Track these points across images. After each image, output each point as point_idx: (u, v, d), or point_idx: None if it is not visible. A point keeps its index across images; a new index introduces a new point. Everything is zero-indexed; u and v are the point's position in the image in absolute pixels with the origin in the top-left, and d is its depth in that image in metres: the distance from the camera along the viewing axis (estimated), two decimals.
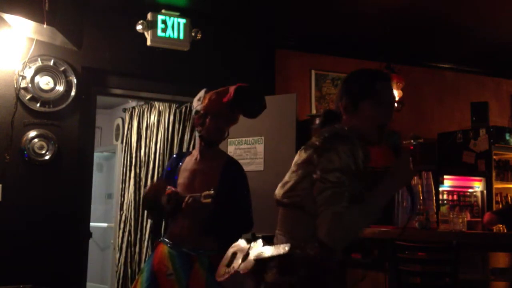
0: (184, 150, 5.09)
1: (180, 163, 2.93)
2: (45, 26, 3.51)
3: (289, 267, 1.83)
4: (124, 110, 6.34)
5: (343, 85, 1.99)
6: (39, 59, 4.11)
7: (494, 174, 5.59)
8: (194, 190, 2.76)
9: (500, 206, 5.76)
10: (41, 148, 4.08)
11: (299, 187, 1.91)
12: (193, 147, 5.04)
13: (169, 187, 2.78)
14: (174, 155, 3.15)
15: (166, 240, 2.83)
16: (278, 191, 2.05)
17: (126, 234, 5.60)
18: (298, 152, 1.96)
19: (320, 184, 1.77)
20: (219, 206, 2.69)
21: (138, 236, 5.43)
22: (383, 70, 5.55)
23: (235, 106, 2.81)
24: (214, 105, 2.86)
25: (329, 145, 1.81)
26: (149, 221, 5.26)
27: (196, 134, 3.00)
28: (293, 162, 1.99)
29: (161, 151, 5.38)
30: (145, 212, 5.25)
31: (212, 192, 2.63)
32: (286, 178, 2.02)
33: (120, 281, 5.59)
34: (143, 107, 5.81)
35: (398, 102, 5.51)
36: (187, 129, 5.21)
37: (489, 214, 4.35)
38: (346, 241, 1.75)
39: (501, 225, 4.40)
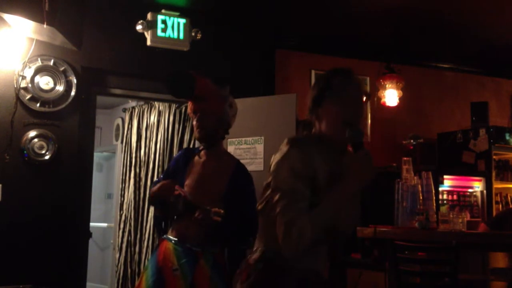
0: None
1: (189, 162, 2.92)
2: (45, 26, 3.51)
3: (248, 271, 1.89)
4: (124, 110, 6.34)
5: (310, 91, 1.98)
6: (39, 59, 4.11)
7: (494, 174, 5.60)
8: (203, 194, 2.77)
9: (500, 206, 5.76)
10: (41, 148, 4.08)
11: (263, 195, 1.93)
12: (193, 147, 5.04)
13: (177, 187, 2.77)
14: (182, 151, 3.10)
15: (170, 237, 2.84)
16: None
17: (126, 234, 5.61)
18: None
19: (274, 193, 1.77)
20: (225, 214, 2.71)
21: (138, 236, 5.43)
22: (382, 70, 5.57)
23: (171, 94, 2.92)
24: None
25: (282, 154, 1.80)
26: (150, 219, 5.26)
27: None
28: None
29: (161, 151, 5.38)
30: (149, 209, 5.25)
31: (222, 211, 2.66)
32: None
33: (120, 281, 5.59)
34: (143, 107, 5.81)
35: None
36: (187, 129, 5.21)
37: (483, 226, 4.35)
38: (300, 249, 1.71)
39: None
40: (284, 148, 1.82)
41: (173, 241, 2.80)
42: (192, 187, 2.83)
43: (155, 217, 3.31)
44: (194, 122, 2.88)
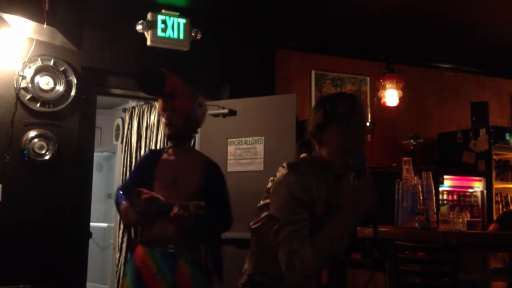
0: None
1: (156, 163, 2.90)
2: (45, 26, 3.51)
3: None
4: (124, 110, 6.34)
5: (310, 114, 1.95)
6: (39, 59, 4.11)
7: (494, 174, 5.60)
8: (177, 193, 2.76)
9: (500, 206, 5.76)
10: (41, 148, 4.08)
11: (259, 215, 1.94)
12: (193, 147, 5.05)
13: (145, 191, 2.75)
14: (147, 153, 3.11)
15: (145, 241, 2.82)
16: None
17: (126, 234, 5.60)
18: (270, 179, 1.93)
19: (275, 219, 1.76)
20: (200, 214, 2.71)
21: (138, 236, 5.43)
22: (382, 70, 5.57)
23: (142, 90, 2.97)
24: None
25: (281, 179, 1.79)
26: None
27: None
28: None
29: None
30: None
31: (203, 203, 2.64)
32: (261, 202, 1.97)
33: (120, 281, 5.58)
34: (143, 107, 5.81)
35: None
36: None
37: (494, 225, 4.36)
38: (303, 278, 1.70)
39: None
40: (283, 172, 1.81)
41: (148, 245, 2.77)
42: (164, 186, 2.81)
43: (125, 225, 3.26)
44: (163, 119, 2.89)
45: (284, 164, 1.84)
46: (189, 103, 2.90)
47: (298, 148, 1.97)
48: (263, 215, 1.90)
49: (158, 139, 5.48)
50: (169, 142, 3.00)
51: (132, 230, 3.10)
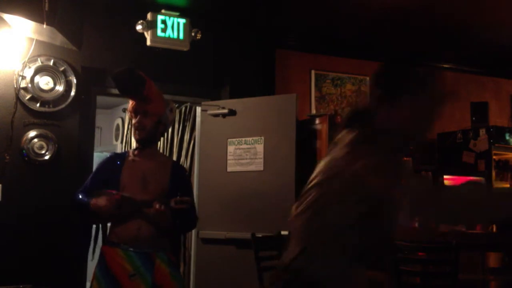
0: (184, 150, 5.09)
1: (122, 165, 2.89)
2: (45, 26, 3.50)
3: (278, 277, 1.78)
4: (124, 110, 6.33)
5: (377, 75, 1.65)
6: (39, 59, 4.11)
7: (494, 174, 5.60)
8: (146, 194, 2.77)
9: None
10: (41, 148, 4.08)
11: (307, 196, 1.76)
12: (193, 147, 5.04)
13: (115, 192, 2.74)
14: (111, 155, 3.07)
15: (115, 242, 2.79)
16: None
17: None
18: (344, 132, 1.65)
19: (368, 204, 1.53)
20: (178, 212, 2.74)
21: None
22: None
23: (120, 92, 2.90)
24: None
25: (367, 155, 1.53)
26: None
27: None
28: (339, 141, 1.66)
29: (160, 151, 5.38)
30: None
31: (187, 198, 2.66)
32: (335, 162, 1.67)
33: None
34: None
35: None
36: (187, 129, 5.21)
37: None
38: None
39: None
40: (361, 149, 1.55)
41: (121, 247, 2.75)
42: (132, 188, 2.80)
43: (85, 224, 3.20)
44: (134, 122, 2.88)
45: (356, 133, 1.59)
46: (161, 107, 2.91)
47: (349, 121, 1.66)
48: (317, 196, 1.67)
49: None
50: (135, 145, 2.99)
51: (97, 231, 3.06)
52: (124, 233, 2.78)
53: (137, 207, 2.70)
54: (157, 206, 2.65)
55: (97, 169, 3.04)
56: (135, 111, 2.88)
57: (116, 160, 2.94)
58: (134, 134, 2.90)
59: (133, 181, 2.82)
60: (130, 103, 2.93)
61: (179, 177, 2.90)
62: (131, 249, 2.73)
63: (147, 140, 2.88)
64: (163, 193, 2.80)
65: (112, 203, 2.71)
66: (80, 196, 2.87)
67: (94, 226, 3.05)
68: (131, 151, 2.97)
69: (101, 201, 2.75)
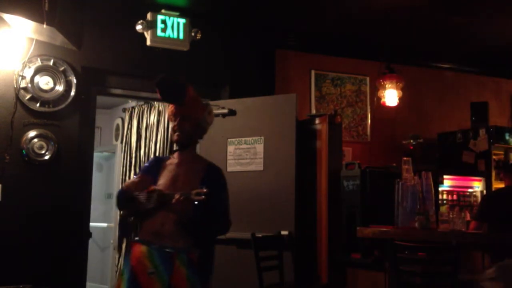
0: None
1: (161, 166, 2.95)
2: (44, 26, 3.50)
3: None
4: (124, 110, 6.34)
5: None
6: (38, 59, 4.11)
7: (493, 174, 5.60)
8: (176, 191, 2.79)
9: None
10: (41, 148, 4.08)
11: None
12: (163, 156, 5.04)
13: (151, 184, 2.79)
14: (153, 159, 3.17)
15: (142, 239, 2.82)
16: None
17: (135, 228, 5.60)
18: None
19: None
20: (199, 207, 2.72)
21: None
22: (382, 70, 5.57)
23: (162, 99, 2.95)
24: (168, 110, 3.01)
25: None
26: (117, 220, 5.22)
27: None
28: None
29: (160, 151, 5.38)
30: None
31: (204, 190, 2.67)
32: None
33: (117, 279, 5.58)
34: (143, 107, 5.81)
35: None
36: None
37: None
38: None
39: None
40: None
41: (145, 244, 2.78)
42: (166, 185, 2.85)
43: (122, 218, 3.27)
44: (173, 125, 2.93)
45: None
46: (200, 111, 2.96)
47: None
48: None
49: (157, 139, 5.48)
50: (174, 147, 3.04)
51: (127, 228, 3.10)
52: (148, 228, 2.82)
53: (165, 199, 2.73)
54: (177, 196, 2.68)
55: (141, 171, 3.13)
56: (174, 115, 2.93)
57: (157, 163, 3.01)
58: (173, 136, 2.96)
59: (166, 180, 2.88)
60: (170, 107, 2.99)
61: (212, 181, 2.90)
62: (154, 246, 2.75)
63: (185, 143, 2.94)
64: None
65: (132, 183, 2.81)
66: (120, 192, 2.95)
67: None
68: (172, 155, 3.03)
69: (128, 181, 2.89)
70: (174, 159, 2.98)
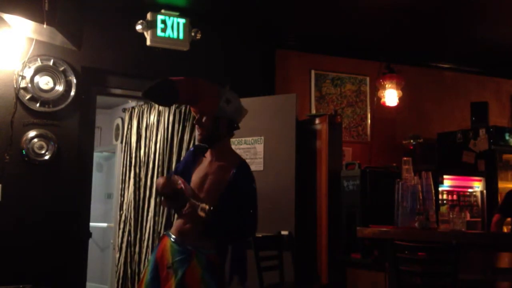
0: (184, 150, 5.09)
1: (198, 159, 2.93)
2: (45, 26, 3.50)
3: None
4: (124, 110, 6.33)
5: None
6: (38, 59, 4.11)
7: (498, 174, 5.60)
8: (203, 192, 2.79)
9: None
10: (41, 148, 4.08)
11: None
12: (193, 147, 5.03)
13: (182, 181, 2.78)
14: (192, 148, 3.09)
15: (170, 233, 2.85)
16: None
17: (126, 234, 5.60)
18: None
19: None
20: (222, 213, 2.71)
21: (138, 236, 5.42)
22: (382, 70, 5.57)
23: (150, 100, 2.90)
24: None
25: None
26: (150, 219, 5.25)
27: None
28: None
29: (160, 151, 5.37)
30: (149, 209, 5.25)
31: (207, 208, 2.65)
32: None
33: (120, 281, 5.58)
34: (143, 107, 5.80)
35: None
36: (186, 129, 5.20)
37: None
38: None
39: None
40: None
41: (172, 238, 2.81)
42: (196, 183, 2.85)
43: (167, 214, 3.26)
44: (195, 123, 2.89)
45: None
46: (213, 103, 2.84)
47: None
48: None
49: (158, 139, 5.47)
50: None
51: (168, 219, 3.13)
52: (176, 224, 2.84)
53: (182, 203, 2.73)
54: (186, 208, 2.69)
55: (180, 161, 3.12)
56: (195, 114, 2.89)
57: (194, 154, 2.97)
58: (198, 136, 2.92)
59: (197, 178, 2.86)
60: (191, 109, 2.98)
61: (238, 182, 2.85)
62: (177, 242, 2.76)
63: (209, 139, 2.86)
64: (218, 196, 2.79)
65: (166, 184, 2.77)
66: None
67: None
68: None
69: (160, 179, 2.83)
70: (208, 155, 2.90)
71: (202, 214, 2.66)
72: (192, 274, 2.71)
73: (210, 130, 2.83)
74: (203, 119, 2.83)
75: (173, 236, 2.81)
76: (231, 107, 2.89)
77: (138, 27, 4.34)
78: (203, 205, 2.68)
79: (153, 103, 2.97)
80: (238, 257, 2.89)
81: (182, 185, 2.77)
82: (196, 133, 2.92)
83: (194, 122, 2.88)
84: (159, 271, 2.74)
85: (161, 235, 3.03)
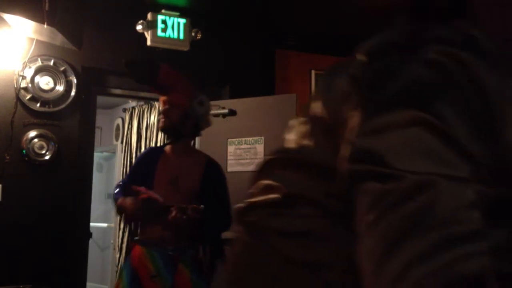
0: None
1: (157, 160, 2.86)
2: (45, 26, 3.51)
3: None
4: (124, 110, 6.34)
5: None
6: (39, 59, 4.11)
7: None
8: (176, 192, 2.74)
9: None
10: (41, 148, 4.08)
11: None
12: (158, 146, 5.01)
13: (144, 190, 2.73)
14: (147, 150, 3.07)
15: (143, 241, 2.79)
16: None
17: (126, 234, 5.60)
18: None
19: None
20: (212, 210, 2.69)
21: None
22: None
23: (135, 81, 2.94)
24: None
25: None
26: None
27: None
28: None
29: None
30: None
31: (201, 207, 2.62)
32: None
33: (115, 280, 5.59)
34: (143, 107, 5.81)
35: None
36: None
37: None
38: None
39: None
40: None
41: (147, 246, 2.73)
42: (163, 186, 2.79)
43: (126, 220, 3.17)
44: (161, 112, 2.87)
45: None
46: (186, 98, 2.86)
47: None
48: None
49: (158, 139, 5.48)
50: (166, 139, 2.98)
51: (130, 228, 3.05)
52: (150, 233, 2.77)
53: (161, 210, 2.67)
54: (174, 213, 2.63)
55: (135, 163, 3.06)
56: (163, 103, 2.88)
57: (153, 155, 2.92)
58: (160, 123, 2.88)
59: (165, 179, 2.80)
60: (160, 98, 2.94)
61: (212, 176, 2.85)
62: (156, 249, 2.71)
63: (170, 131, 2.85)
64: (194, 193, 2.77)
65: (136, 205, 2.70)
66: (116, 191, 2.88)
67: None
68: (167, 147, 2.95)
69: (127, 202, 2.74)
70: (170, 154, 2.87)
71: (196, 215, 2.63)
72: (181, 278, 2.68)
73: (175, 124, 2.84)
74: (173, 111, 2.82)
75: (149, 244, 2.75)
76: (201, 110, 2.92)
77: (139, 27, 4.34)
78: (193, 206, 2.64)
79: (133, 77, 2.91)
80: (217, 255, 2.89)
81: (153, 194, 2.71)
82: (160, 121, 2.88)
83: (161, 111, 2.86)
84: (141, 282, 2.67)
85: (130, 245, 2.94)
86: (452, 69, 0.64)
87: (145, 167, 2.89)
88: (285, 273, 0.74)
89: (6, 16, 3.68)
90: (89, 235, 4.46)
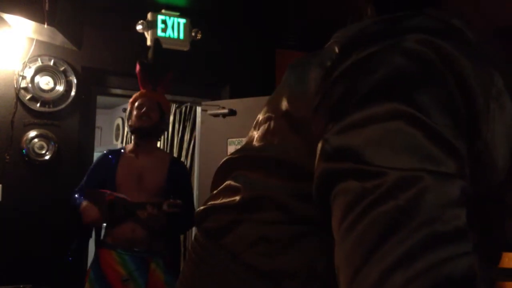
0: (184, 150, 5.09)
1: (118, 162, 2.84)
2: (45, 26, 3.50)
3: None
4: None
5: None
6: (39, 59, 4.11)
7: None
8: (141, 190, 2.73)
9: None
10: (41, 148, 4.08)
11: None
12: (193, 147, 5.04)
13: (108, 192, 2.70)
14: (105, 153, 3.02)
15: (110, 243, 2.74)
16: None
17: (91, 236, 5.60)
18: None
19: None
20: (186, 204, 2.70)
21: None
22: None
23: (142, 74, 2.99)
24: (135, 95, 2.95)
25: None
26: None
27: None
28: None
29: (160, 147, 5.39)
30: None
31: (179, 201, 2.60)
32: None
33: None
34: None
35: None
36: (187, 129, 5.21)
37: None
38: None
39: None
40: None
41: (116, 249, 2.69)
42: (128, 185, 2.77)
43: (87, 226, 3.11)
44: (143, 110, 2.85)
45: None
46: (169, 105, 2.99)
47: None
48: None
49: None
50: (133, 139, 2.95)
51: (94, 232, 3.01)
52: (118, 235, 2.72)
53: (130, 209, 2.65)
54: (150, 210, 2.60)
55: (93, 167, 3.00)
56: (148, 99, 2.88)
57: (111, 157, 2.89)
58: (137, 122, 2.84)
59: (128, 178, 2.78)
60: (139, 93, 2.92)
61: (177, 173, 2.85)
62: (126, 252, 2.67)
63: (149, 132, 2.84)
64: (160, 191, 2.75)
65: (103, 208, 2.66)
66: (76, 196, 2.83)
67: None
68: (127, 147, 2.93)
69: (91, 206, 2.68)
70: (131, 153, 2.85)
71: (174, 210, 2.61)
72: (154, 280, 2.66)
73: (155, 125, 2.88)
74: (154, 112, 2.87)
75: (118, 247, 2.72)
76: (168, 118, 3.05)
77: (139, 27, 4.34)
78: (170, 201, 2.63)
79: (142, 69, 2.93)
80: (175, 251, 2.89)
81: (119, 195, 2.68)
82: (137, 119, 2.86)
83: (143, 111, 2.85)
84: (112, 286, 2.63)
85: (96, 249, 2.90)
86: (433, 59, 0.59)
87: (104, 170, 2.85)
88: (244, 283, 0.70)
89: (6, 16, 3.68)
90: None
